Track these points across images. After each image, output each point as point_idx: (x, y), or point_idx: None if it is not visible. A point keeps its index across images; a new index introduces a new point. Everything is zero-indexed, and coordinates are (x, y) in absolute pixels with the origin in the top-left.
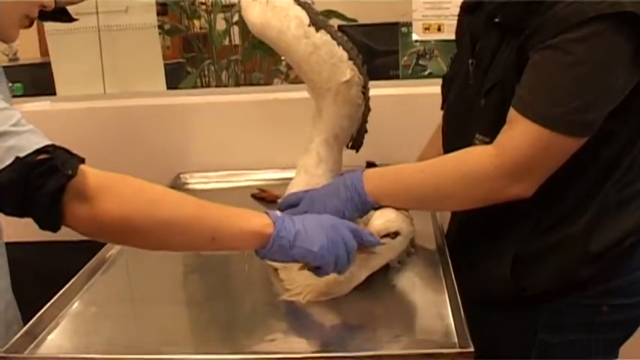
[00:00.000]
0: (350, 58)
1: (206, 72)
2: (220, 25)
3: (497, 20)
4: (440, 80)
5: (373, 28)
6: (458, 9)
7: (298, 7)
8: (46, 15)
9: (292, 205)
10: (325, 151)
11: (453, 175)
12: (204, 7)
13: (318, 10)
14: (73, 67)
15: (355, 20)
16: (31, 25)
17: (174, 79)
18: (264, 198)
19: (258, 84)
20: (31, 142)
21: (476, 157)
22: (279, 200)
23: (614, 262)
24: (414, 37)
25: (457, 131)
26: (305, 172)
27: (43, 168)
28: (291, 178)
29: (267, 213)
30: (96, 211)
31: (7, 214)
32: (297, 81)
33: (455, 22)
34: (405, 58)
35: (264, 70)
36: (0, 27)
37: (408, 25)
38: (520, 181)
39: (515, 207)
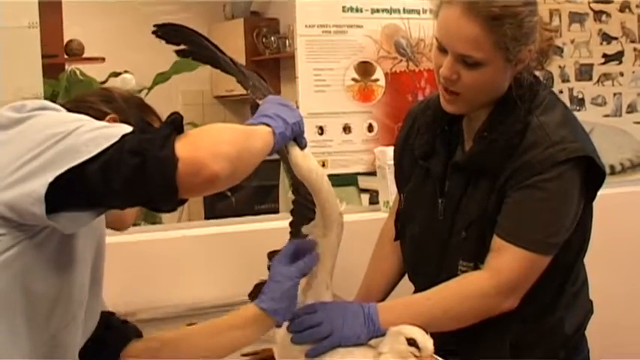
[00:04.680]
0: None
1: None
2: None
3: (467, 167)
4: None
5: None
6: (339, 146)
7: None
8: None
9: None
10: (330, 279)
11: (459, 297)
12: None
13: None
14: None
15: None
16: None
17: None
18: None
19: None
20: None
21: (474, 281)
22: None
23: (580, 340)
24: None
25: (433, 260)
26: (314, 301)
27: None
28: None
29: None
30: None
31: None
32: None
33: (338, 158)
34: (290, 193)
35: None
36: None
37: None
38: (511, 296)
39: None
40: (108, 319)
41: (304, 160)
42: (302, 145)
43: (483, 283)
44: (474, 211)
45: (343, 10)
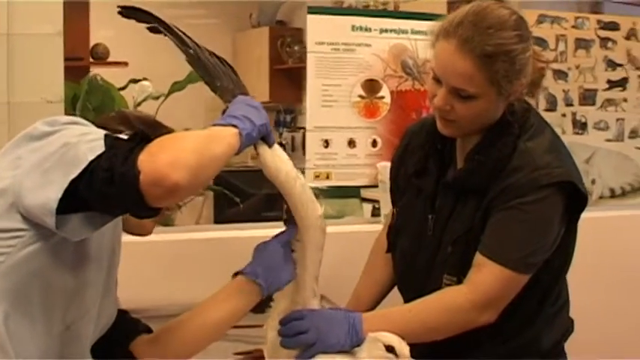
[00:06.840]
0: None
1: None
2: None
3: (455, 186)
4: None
5: (252, 172)
6: (343, 159)
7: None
8: None
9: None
10: (316, 286)
11: (437, 310)
12: None
13: None
14: None
15: None
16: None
17: None
18: None
19: None
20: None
21: (453, 295)
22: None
23: (559, 355)
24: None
25: (420, 273)
26: (303, 307)
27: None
28: None
29: None
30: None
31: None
32: None
33: (342, 171)
34: None
35: None
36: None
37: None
38: (488, 311)
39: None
40: (120, 317)
41: (273, 159)
42: (270, 144)
43: (461, 297)
44: (460, 228)
45: (352, 29)
